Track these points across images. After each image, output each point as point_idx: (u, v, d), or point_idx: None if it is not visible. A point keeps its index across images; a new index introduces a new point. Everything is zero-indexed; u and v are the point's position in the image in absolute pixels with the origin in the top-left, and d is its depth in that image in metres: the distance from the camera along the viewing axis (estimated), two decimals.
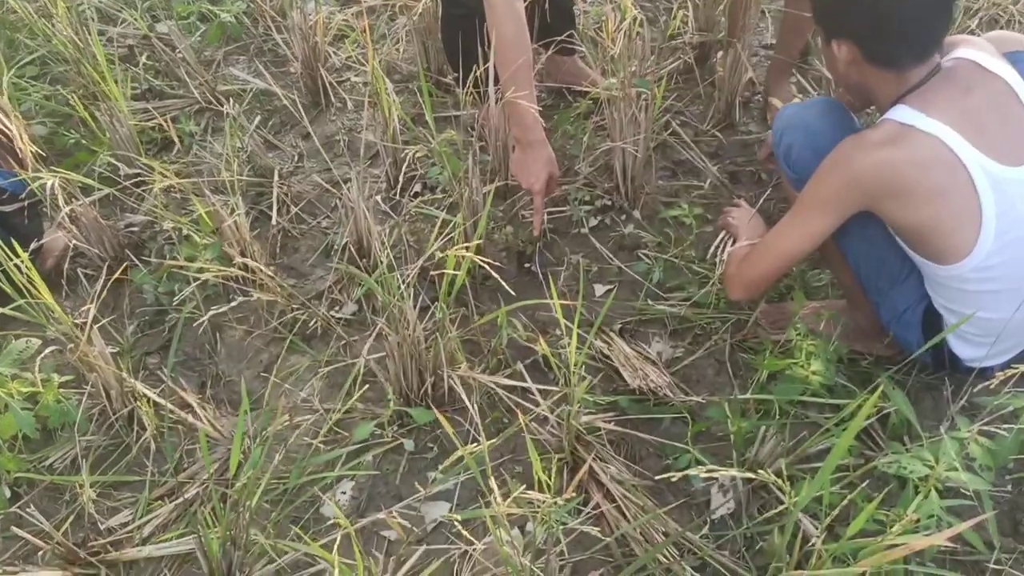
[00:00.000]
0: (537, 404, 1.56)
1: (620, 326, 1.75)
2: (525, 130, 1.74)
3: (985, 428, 1.28)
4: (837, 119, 1.44)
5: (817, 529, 1.22)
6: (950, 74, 1.31)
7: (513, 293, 1.50)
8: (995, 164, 1.26)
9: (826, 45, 1.36)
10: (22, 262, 1.38)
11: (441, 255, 1.43)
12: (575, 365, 1.39)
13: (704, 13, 2.28)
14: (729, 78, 2.12)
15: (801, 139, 1.45)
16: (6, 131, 1.68)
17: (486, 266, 1.37)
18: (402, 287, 1.48)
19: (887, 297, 1.49)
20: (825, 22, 1.35)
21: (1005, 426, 1.27)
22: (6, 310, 1.46)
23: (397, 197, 2.03)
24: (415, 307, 1.49)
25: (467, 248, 1.36)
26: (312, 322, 1.78)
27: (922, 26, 1.28)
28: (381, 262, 1.47)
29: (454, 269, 1.42)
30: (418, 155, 1.97)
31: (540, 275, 1.86)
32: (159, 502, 1.46)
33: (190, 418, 1.56)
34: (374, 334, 1.61)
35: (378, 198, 1.98)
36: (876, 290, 1.51)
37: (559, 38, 1.98)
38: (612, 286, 1.86)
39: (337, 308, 1.83)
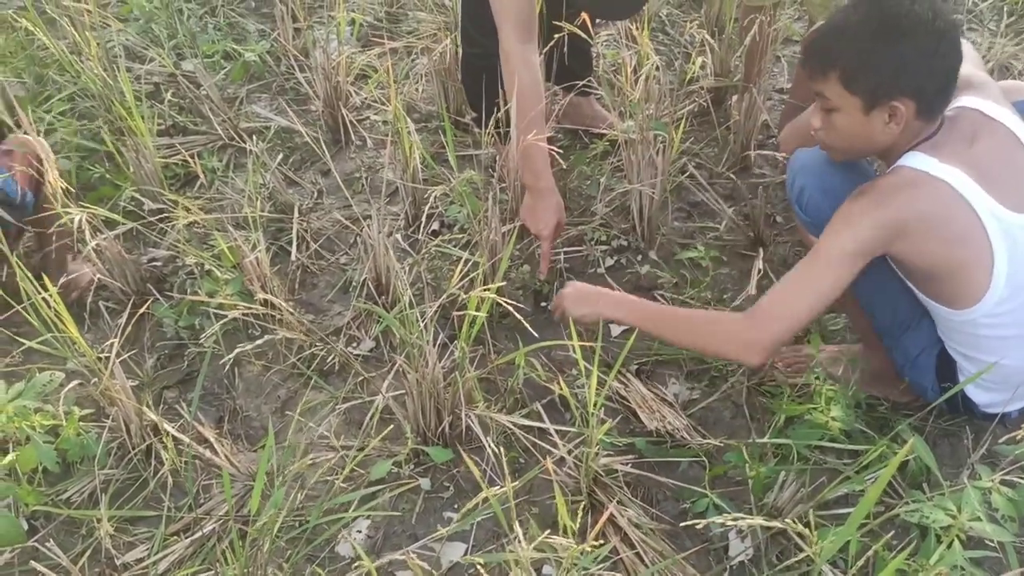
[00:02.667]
0: (554, 444, 1.56)
1: (636, 367, 1.76)
2: (535, 177, 1.78)
3: (1007, 478, 1.28)
4: (850, 164, 1.45)
5: None
6: (956, 123, 1.33)
7: (533, 332, 1.51)
8: (1004, 210, 1.28)
9: (864, 114, 1.29)
10: (51, 295, 1.40)
11: (463, 297, 1.45)
12: (594, 406, 1.39)
13: (720, 57, 2.32)
14: (744, 122, 2.15)
15: (814, 183, 1.46)
16: (35, 160, 1.72)
17: (507, 306, 1.38)
18: (421, 325, 1.49)
19: (900, 342, 1.50)
20: (888, 83, 1.26)
21: None
22: (33, 343, 1.48)
23: (416, 235, 2.05)
24: (434, 345, 1.50)
25: (488, 289, 1.37)
26: (330, 358, 1.79)
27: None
28: (401, 299, 1.48)
29: (476, 310, 1.43)
30: (437, 194, 2.00)
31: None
32: (175, 537, 1.46)
33: (208, 453, 1.57)
34: (392, 372, 1.61)
35: (397, 235, 2.00)
36: (889, 335, 1.51)
37: (578, 82, 2.02)
38: (629, 326, 1.86)
39: (355, 344, 1.84)
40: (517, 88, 1.71)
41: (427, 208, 2.01)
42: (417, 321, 1.50)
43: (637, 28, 1.89)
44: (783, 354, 1.71)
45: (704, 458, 1.56)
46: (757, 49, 2.13)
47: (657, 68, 1.89)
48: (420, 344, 1.44)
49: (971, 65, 1.40)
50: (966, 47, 1.38)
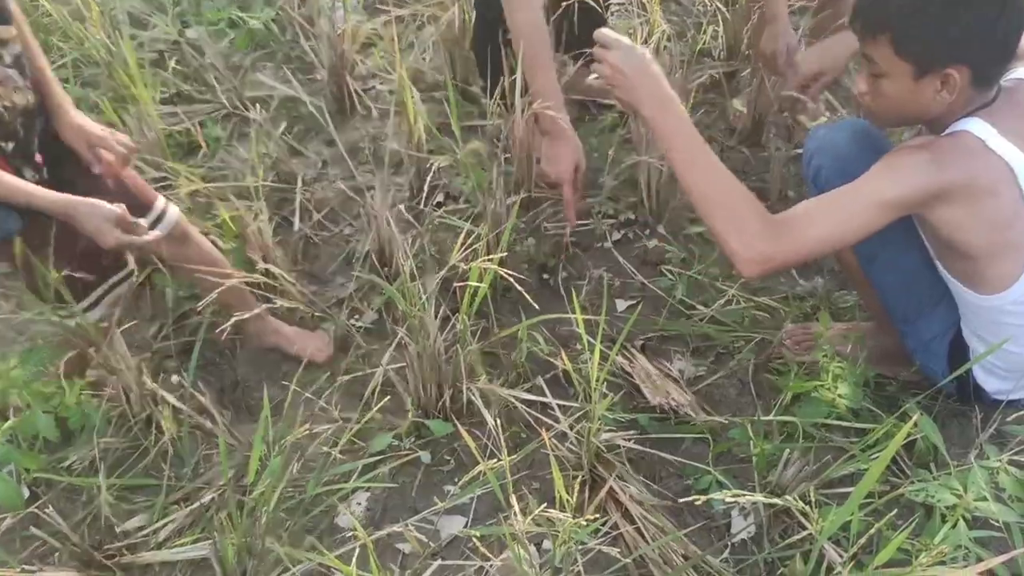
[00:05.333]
0: (556, 419, 1.54)
1: (642, 342, 1.73)
2: (551, 120, 1.69)
3: (1015, 458, 1.25)
4: (868, 143, 1.40)
5: (842, 558, 1.20)
6: (1014, 95, 1.26)
7: (536, 306, 1.48)
8: None
9: (914, 80, 1.21)
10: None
11: (464, 267, 1.42)
12: (596, 381, 1.37)
13: (733, 28, 2.26)
14: (757, 96, 2.10)
15: (830, 162, 1.41)
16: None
17: (509, 279, 1.36)
18: (423, 298, 1.48)
19: (914, 326, 1.46)
20: (943, 49, 1.19)
21: None
22: (32, 315, 1.47)
23: (420, 206, 2.02)
24: (436, 318, 1.48)
25: (491, 260, 1.35)
26: (332, 330, 1.78)
27: (1018, 37, 1.21)
28: (403, 271, 1.46)
29: (478, 281, 1.41)
30: (442, 165, 1.97)
31: (562, 289, 1.85)
32: (175, 506, 1.46)
33: (208, 423, 1.56)
34: (394, 344, 1.60)
35: (401, 207, 1.98)
36: (903, 319, 1.48)
37: (587, 50, 1.97)
38: (634, 301, 1.84)
39: (357, 317, 1.82)
40: (519, 29, 1.65)
41: (431, 179, 1.99)
42: (419, 293, 1.48)
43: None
44: (792, 331, 1.69)
45: (708, 435, 1.54)
46: (765, 22, 2.08)
47: (668, 39, 1.85)
48: (421, 316, 1.42)
49: None
50: None
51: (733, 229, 1.21)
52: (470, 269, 1.39)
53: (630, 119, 1.92)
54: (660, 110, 1.24)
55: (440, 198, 2.07)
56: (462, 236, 1.63)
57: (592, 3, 1.70)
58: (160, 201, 1.55)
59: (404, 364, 1.53)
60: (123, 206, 1.33)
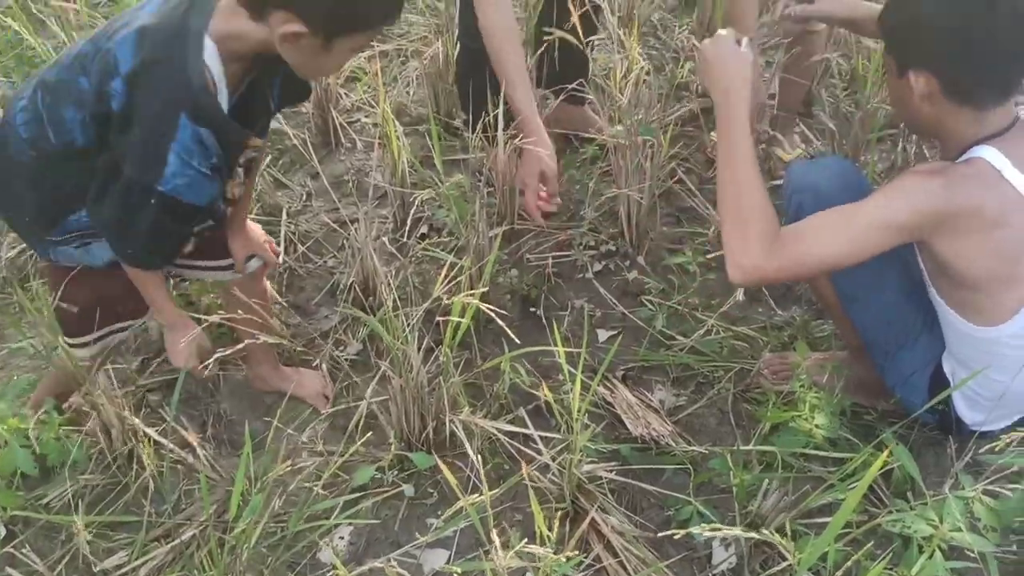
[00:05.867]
0: (539, 451, 1.55)
1: (623, 373, 1.75)
2: (522, 126, 1.69)
3: (990, 488, 1.27)
4: (848, 182, 1.42)
5: None
6: None
7: (517, 340, 1.50)
8: None
9: (897, 77, 1.25)
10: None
11: (447, 301, 1.44)
12: (578, 412, 1.39)
13: None
14: None
15: (811, 199, 1.40)
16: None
17: (490, 312, 1.37)
18: (406, 330, 1.49)
19: (894, 361, 1.47)
20: (901, 51, 1.24)
21: (1010, 486, 1.26)
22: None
23: (404, 238, 2.04)
24: (419, 350, 1.49)
25: (473, 295, 1.37)
26: (315, 362, 1.78)
27: (1009, 60, 1.19)
28: (386, 303, 1.47)
29: (460, 315, 1.42)
30: (426, 197, 1.99)
31: (544, 319, 1.87)
32: (155, 544, 1.45)
33: (190, 458, 1.56)
34: (377, 376, 1.60)
35: (385, 239, 1.99)
36: (883, 354, 1.49)
37: (569, 86, 2.02)
38: (615, 331, 1.86)
39: (342, 348, 1.83)
40: (489, 29, 1.68)
41: (415, 212, 2.01)
42: (403, 325, 1.49)
43: (626, 33, 1.89)
44: (769, 361, 1.71)
45: (689, 465, 1.55)
46: None
47: (648, 73, 1.89)
48: (404, 349, 1.43)
49: None
50: None
51: (737, 234, 1.23)
52: (452, 303, 1.40)
53: (610, 152, 1.95)
54: (724, 100, 1.28)
55: (424, 230, 2.09)
56: (445, 268, 1.65)
57: (573, 40, 1.74)
58: None
59: (387, 397, 1.54)
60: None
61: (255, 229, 1.55)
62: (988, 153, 1.21)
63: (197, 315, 1.49)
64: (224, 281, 1.54)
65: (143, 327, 1.56)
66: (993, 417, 1.43)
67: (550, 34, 1.80)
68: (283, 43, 1.15)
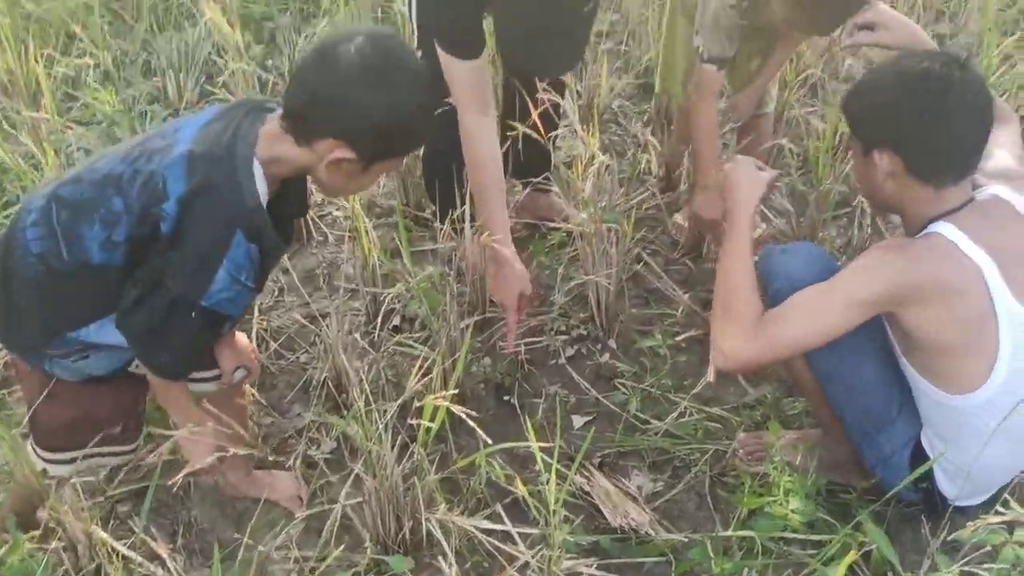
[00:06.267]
0: (517, 546, 1.53)
1: (600, 460, 1.75)
2: (496, 247, 1.78)
3: (966, 569, 1.28)
4: (820, 266, 1.47)
5: None
6: (986, 208, 1.34)
7: (489, 437, 1.50)
8: (1019, 306, 1.29)
9: (863, 155, 1.36)
10: None
11: (418, 404, 1.44)
12: (556, 503, 1.38)
13: (668, 149, 2.40)
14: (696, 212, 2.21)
15: (787, 287, 1.44)
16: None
17: (461, 414, 1.38)
18: (380, 428, 1.48)
19: (873, 441, 1.50)
20: (868, 131, 1.35)
21: (986, 565, 1.26)
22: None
23: (376, 331, 2.05)
24: (393, 449, 1.48)
25: (444, 397, 1.37)
26: (289, 463, 1.76)
27: (965, 143, 1.30)
28: (356, 402, 1.47)
29: (430, 419, 1.43)
30: (394, 294, 2.01)
31: (518, 407, 1.87)
32: None
33: (160, 572, 1.51)
34: (351, 478, 1.59)
35: (356, 335, 2.00)
36: (862, 435, 1.51)
37: (535, 179, 2.08)
38: (590, 417, 1.87)
39: (315, 447, 1.81)
40: (476, 161, 1.76)
41: (387, 304, 2.03)
42: (376, 422, 1.49)
43: (587, 127, 1.97)
44: (744, 441, 1.72)
45: (670, 555, 1.54)
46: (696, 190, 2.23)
47: (608, 163, 1.95)
48: (377, 450, 1.42)
49: (1015, 160, 1.44)
50: (1007, 135, 1.44)
51: (721, 329, 1.37)
52: (424, 405, 1.40)
53: (576, 238, 2.00)
54: (733, 210, 1.48)
55: (397, 321, 2.10)
56: (418, 363, 1.66)
57: (535, 135, 1.80)
58: None
59: (362, 499, 1.52)
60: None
61: (242, 339, 1.56)
62: (945, 228, 1.30)
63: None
64: (205, 393, 1.53)
65: (132, 456, 1.54)
66: (969, 491, 1.45)
67: (514, 128, 1.86)
68: (327, 167, 1.21)
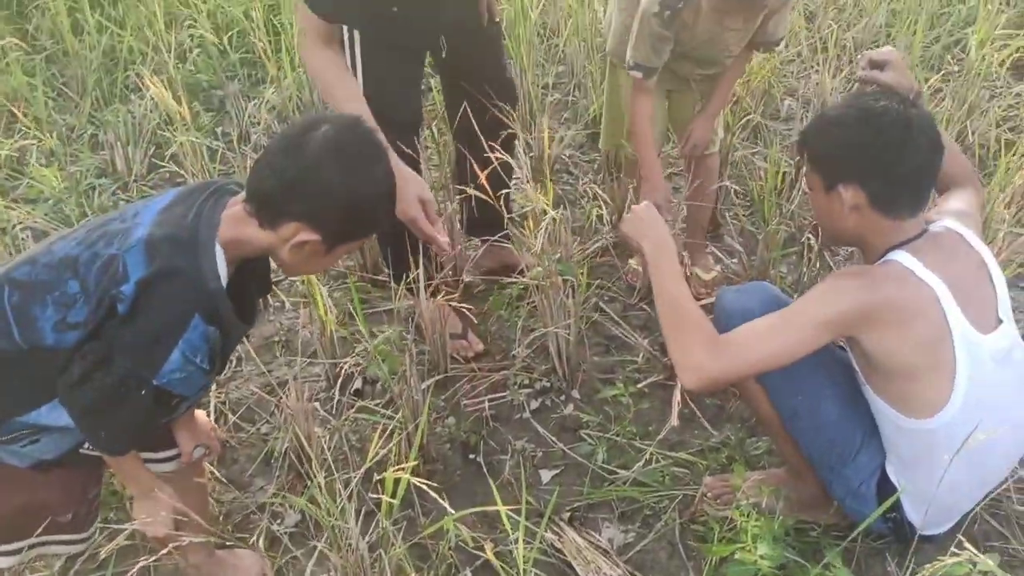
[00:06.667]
0: None
1: (569, 514, 1.73)
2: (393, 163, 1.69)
3: None
4: (777, 305, 1.49)
5: None
6: (939, 238, 1.41)
7: (452, 511, 1.48)
8: (973, 330, 1.34)
9: (825, 193, 1.41)
10: None
11: (381, 475, 1.42)
12: (525, 563, 1.36)
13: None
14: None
15: (740, 321, 1.46)
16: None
17: (423, 485, 1.37)
18: (343, 499, 1.45)
19: (840, 475, 1.52)
20: (833, 167, 1.39)
21: None
22: None
23: (337, 396, 2.03)
24: (357, 521, 1.45)
25: (404, 468, 1.36)
26: (252, 540, 1.71)
27: (922, 175, 1.38)
28: (316, 476, 1.44)
29: (391, 493, 1.41)
30: (350, 363, 2.00)
31: (484, 466, 1.85)
32: None
33: None
34: (316, 554, 1.55)
35: (316, 403, 1.97)
36: (828, 469, 1.53)
37: (491, 237, 2.10)
38: (558, 470, 1.86)
39: (279, 521, 1.77)
40: (324, 73, 1.73)
41: (347, 368, 2.01)
42: (339, 495, 1.46)
43: (537, 182, 2.00)
44: (711, 485, 1.72)
45: None
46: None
47: (558, 215, 1.98)
48: (340, 526, 1.39)
49: (967, 206, 1.52)
50: (966, 195, 1.53)
51: (679, 346, 1.38)
52: (384, 478, 1.39)
53: (532, 292, 2.01)
54: (656, 247, 1.48)
55: (359, 384, 2.08)
56: (380, 430, 1.64)
57: (485, 196, 1.83)
58: None
59: (328, 573, 1.48)
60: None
61: (201, 417, 1.53)
62: (902, 256, 1.37)
63: None
64: (163, 472, 1.49)
65: (85, 545, 1.48)
66: (935, 519, 1.46)
67: (463, 191, 1.89)
68: (291, 249, 1.21)
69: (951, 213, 1.49)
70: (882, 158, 1.36)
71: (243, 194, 1.23)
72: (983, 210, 1.65)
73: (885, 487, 1.47)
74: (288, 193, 1.18)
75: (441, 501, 1.40)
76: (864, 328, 1.34)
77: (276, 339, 2.28)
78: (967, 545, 1.21)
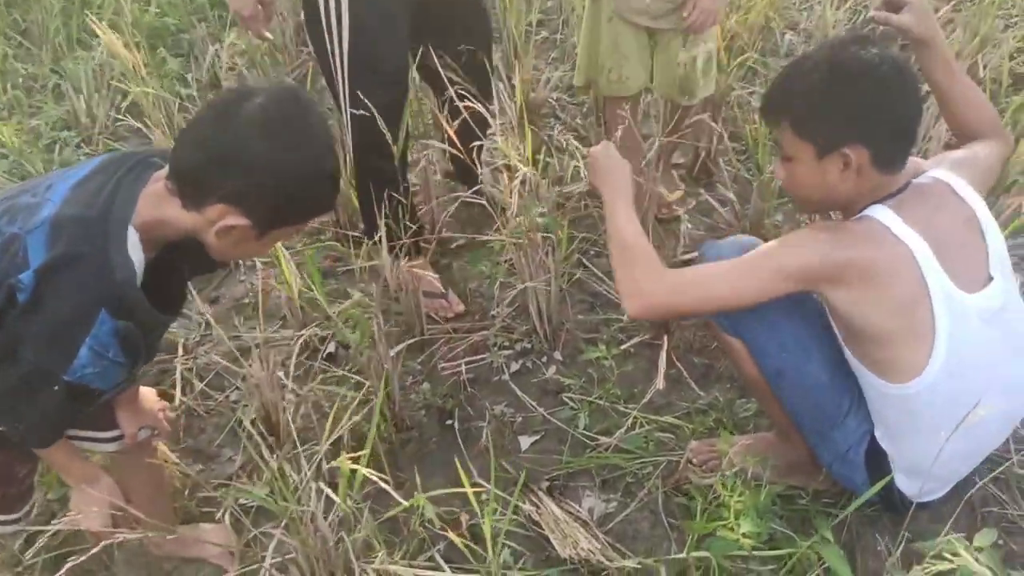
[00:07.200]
0: None
1: (548, 483, 1.66)
2: None
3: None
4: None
5: None
6: (923, 189, 1.31)
7: (421, 499, 1.40)
8: (955, 288, 1.25)
9: (817, 160, 1.28)
10: None
11: (334, 464, 1.34)
12: (496, 537, 1.30)
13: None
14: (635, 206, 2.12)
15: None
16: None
17: (378, 479, 1.29)
18: (306, 476, 1.38)
19: (828, 439, 1.44)
20: (834, 129, 1.27)
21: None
22: None
23: (308, 361, 1.94)
24: (320, 498, 1.38)
25: (356, 459, 1.28)
26: (219, 513, 1.65)
27: (917, 123, 1.30)
28: (277, 451, 1.37)
29: (348, 487, 1.33)
30: (315, 332, 1.90)
31: (459, 436, 1.78)
32: None
33: None
34: (280, 530, 1.48)
35: (280, 374, 1.86)
36: (816, 433, 1.46)
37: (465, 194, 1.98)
38: (538, 436, 1.78)
39: (248, 494, 1.70)
40: None
41: (319, 333, 1.92)
42: (302, 469, 1.39)
43: (517, 131, 1.86)
44: (697, 450, 1.65)
45: None
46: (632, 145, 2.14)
47: (531, 172, 1.83)
48: (297, 509, 1.32)
49: (971, 154, 1.41)
50: (979, 145, 1.43)
51: (625, 275, 1.34)
52: (340, 467, 1.31)
53: (510, 248, 1.90)
54: (613, 190, 1.44)
55: (331, 349, 1.99)
56: (349, 398, 1.55)
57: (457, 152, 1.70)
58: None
59: (291, 555, 1.42)
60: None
61: (148, 396, 1.44)
62: (881, 212, 1.27)
63: None
64: (107, 453, 1.41)
65: (19, 526, 1.41)
66: (929, 488, 1.39)
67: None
68: (217, 233, 1.09)
69: (947, 162, 1.38)
70: (886, 112, 1.25)
71: (167, 168, 1.10)
72: (1003, 162, 1.50)
73: (874, 452, 1.40)
74: (213, 171, 1.05)
75: (392, 490, 1.31)
76: (829, 286, 1.26)
77: (247, 301, 2.18)
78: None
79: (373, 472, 1.29)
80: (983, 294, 1.28)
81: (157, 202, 1.09)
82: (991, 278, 1.29)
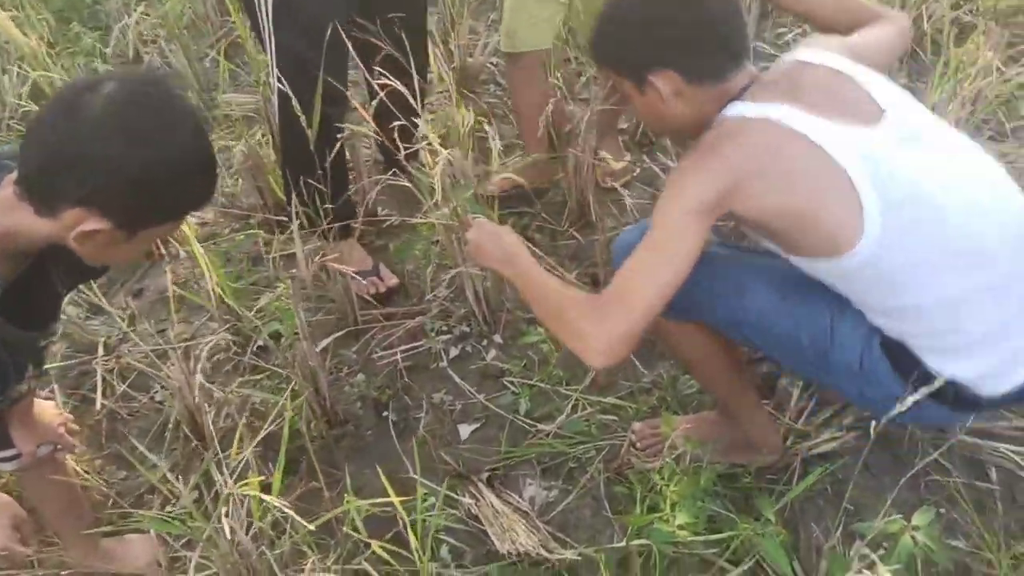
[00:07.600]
0: None
1: (488, 473, 1.61)
2: None
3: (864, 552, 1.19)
4: None
5: None
6: (774, 76, 1.24)
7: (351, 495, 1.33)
8: (852, 128, 1.14)
9: (637, 90, 1.25)
10: None
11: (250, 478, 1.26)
12: (427, 538, 1.24)
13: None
14: (574, 175, 2.05)
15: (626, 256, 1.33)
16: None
17: (278, 504, 1.22)
18: (225, 485, 1.31)
19: (833, 367, 1.27)
20: (633, 63, 1.24)
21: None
22: None
23: (237, 357, 1.86)
24: (243, 508, 1.31)
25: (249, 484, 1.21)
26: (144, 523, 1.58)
27: (729, 27, 1.23)
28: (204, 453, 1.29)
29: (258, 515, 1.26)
30: (258, 308, 1.81)
31: (392, 430, 1.72)
32: None
33: None
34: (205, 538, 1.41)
35: (200, 376, 1.75)
36: (820, 370, 1.30)
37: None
38: (479, 424, 1.72)
39: (173, 503, 1.62)
40: None
41: (248, 323, 1.83)
42: (224, 476, 1.32)
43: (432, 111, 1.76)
44: (640, 433, 1.61)
45: (565, 574, 1.42)
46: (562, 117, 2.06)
47: (449, 157, 1.72)
48: (214, 528, 1.25)
49: (834, 38, 1.33)
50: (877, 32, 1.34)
51: (568, 332, 1.19)
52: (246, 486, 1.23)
53: (439, 233, 1.82)
54: (511, 262, 1.32)
55: (262, 342, 1.90)
56: (275, 396, 1.48)
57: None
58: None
59: (212, 570, 1.35)
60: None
61: (46, 409, 1.35)
62: (730, 111, 1.21)
63: None
64: (7, 472, 1.32)
65: None
66: (987, 364, 1.19)
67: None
68: (76, 239, 0.98)
69: (804, 45, 1.31)
70: (670, 28, 1.21)
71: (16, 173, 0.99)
72: (902, 35, 1.39)
73: (890, 347, 1.22)
74: (60, 173, 0.94)
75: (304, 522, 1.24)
76: (727, 199, 1.15)
77: (171, 294, 2.07)
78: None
79: (276, 499, 1.22)
80: (883, 124, 1.16)
81: (7, 210, 0.98)
82: (883, 110, 1.18)
